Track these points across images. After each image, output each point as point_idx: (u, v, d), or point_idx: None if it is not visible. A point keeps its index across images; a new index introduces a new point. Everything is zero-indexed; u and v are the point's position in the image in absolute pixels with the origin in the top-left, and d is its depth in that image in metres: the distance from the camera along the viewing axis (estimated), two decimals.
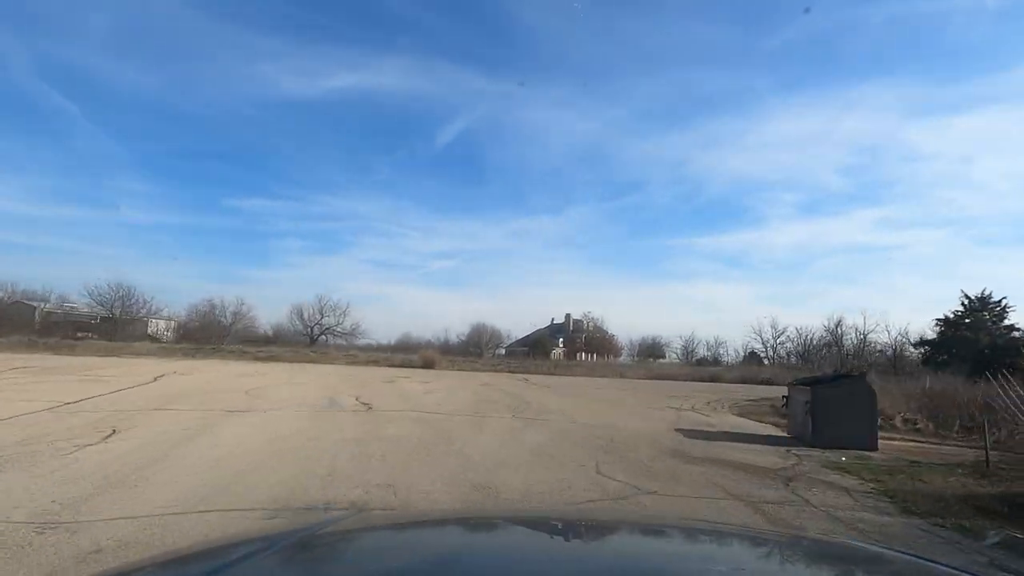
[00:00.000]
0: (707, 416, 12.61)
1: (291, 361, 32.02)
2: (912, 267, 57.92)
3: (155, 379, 14.71)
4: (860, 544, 1.77)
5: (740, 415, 13.22)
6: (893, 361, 35.13)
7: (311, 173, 70.14)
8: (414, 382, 18.75)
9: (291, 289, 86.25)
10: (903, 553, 1.32)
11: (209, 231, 69.19)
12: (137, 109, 61.66)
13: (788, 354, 46.92)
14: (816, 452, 7.97)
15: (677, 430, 9.74)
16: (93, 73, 58.94)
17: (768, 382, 32.72)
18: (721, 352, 51.44)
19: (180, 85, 62.11)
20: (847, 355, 42.87)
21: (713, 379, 33.62)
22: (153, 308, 42.85)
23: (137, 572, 1.09)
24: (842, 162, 61.29)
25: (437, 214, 73.45)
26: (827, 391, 8.54)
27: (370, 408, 10.77)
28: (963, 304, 32.49)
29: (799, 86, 59.82)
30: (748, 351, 49.77)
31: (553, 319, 66.21)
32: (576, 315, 63.19)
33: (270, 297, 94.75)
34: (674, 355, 53.62)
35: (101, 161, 62.50)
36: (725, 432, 9.91)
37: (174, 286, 71.75)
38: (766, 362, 45.80)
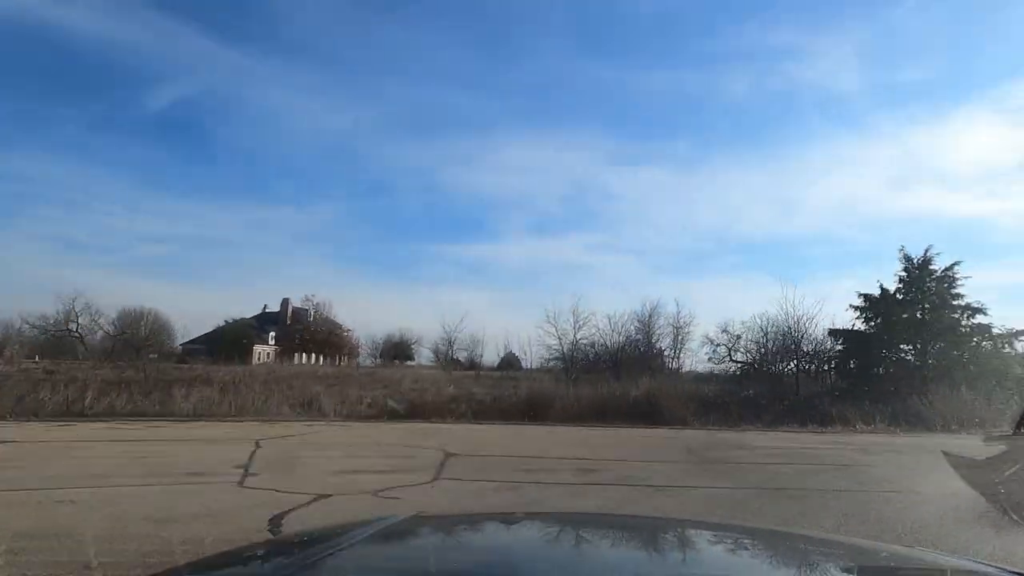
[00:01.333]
0: None
1: None
2: (610, 285, 67.63)
3: None
4: (872, 544, 1.68)
5: None
6: (815, 365, 23.29)
7: None
8: None
9: None
10: (911, 550, 1.46)
11: None
12: None
13: (596, 352, 31.54)
14: None
15: None
16: None
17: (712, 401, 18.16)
18: (480, 353, 40.48)
19: None
20: (664, 352, 30.66)
21: (536, 419, 13.86)
22: None
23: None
24: (561, 192, 75.35)
25: (147, 188, 62.14)
26: None
27: None
28: (905, 270, 18.93)
29: (530, 121, 67.28)
30: (508, 352, 38.98)
31: (266, 306, 50.48)
32: (296, 301, 48.15)
33: None
34: (428, 355, 43.60)
35: None
36: None
37: None
38: (525, 365, 31.65)
